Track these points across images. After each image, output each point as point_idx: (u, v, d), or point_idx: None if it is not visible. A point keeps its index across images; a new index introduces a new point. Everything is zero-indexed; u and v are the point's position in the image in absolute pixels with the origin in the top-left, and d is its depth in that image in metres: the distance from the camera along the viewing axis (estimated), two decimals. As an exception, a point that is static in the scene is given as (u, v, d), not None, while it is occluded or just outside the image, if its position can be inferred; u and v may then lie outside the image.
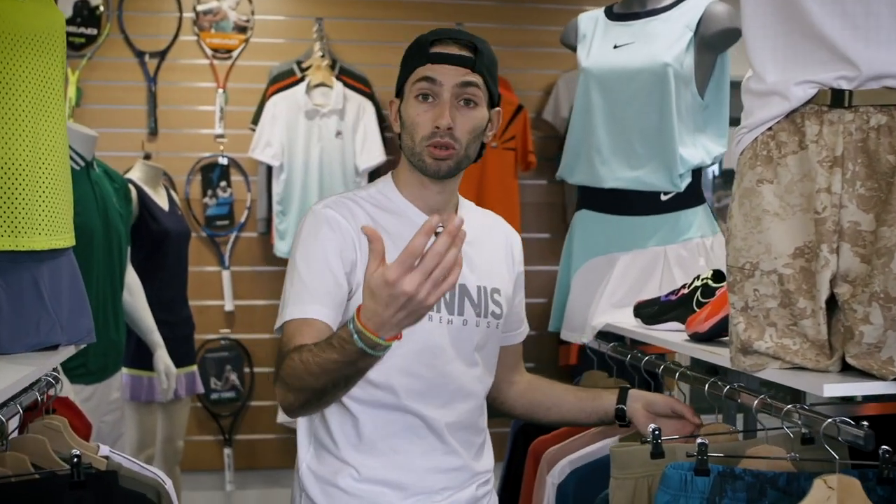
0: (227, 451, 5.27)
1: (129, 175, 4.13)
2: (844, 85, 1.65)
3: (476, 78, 2.01)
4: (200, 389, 4.51)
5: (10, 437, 1.96)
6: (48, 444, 2.02)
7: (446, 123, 1.97)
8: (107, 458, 2.12)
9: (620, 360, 2.59)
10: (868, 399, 1.85)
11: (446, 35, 2.03)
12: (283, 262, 5.20)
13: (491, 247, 2.19)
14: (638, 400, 2.17)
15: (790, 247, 1.71)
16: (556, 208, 5.50)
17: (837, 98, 1.66)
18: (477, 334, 2.07)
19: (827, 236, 1.66)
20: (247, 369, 5.33)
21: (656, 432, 1.91)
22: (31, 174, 1.99)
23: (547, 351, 5.24)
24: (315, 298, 1.95)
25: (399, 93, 2.08)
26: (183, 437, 4.44)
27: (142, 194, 4.11)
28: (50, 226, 2.03)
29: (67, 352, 2.13)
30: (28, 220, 1.99)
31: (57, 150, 2.05)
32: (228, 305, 5.29)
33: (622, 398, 2.18)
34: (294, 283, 1.99)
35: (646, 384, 2.42)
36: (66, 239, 2.11)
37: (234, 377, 5.30)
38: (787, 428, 1.84)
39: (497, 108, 2.08)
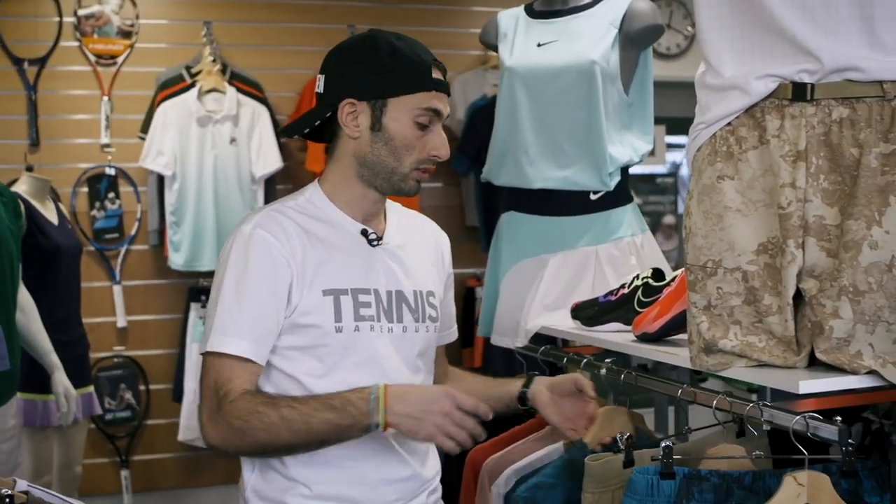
0: (124, 472, 5.05)
1: (15, 188, 3.92)
2: (806, 78, 1.63)
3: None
4: (98, 410, 4.32)
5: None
6: (-36, 480, 1.87)
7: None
8: (26, 493, 1.96)
9: (553, 364, 2.55)
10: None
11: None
12: (177, 274, 5.04)
13: (422, 249, 2.16)
14: (542, 383, 2.19)
15: (754, 243, 1.69)
16: (453, 211, 5.46)
17: (799, 92, 1.64)
18: (418, 340, 2.05)
19: (793, 231, 1.63)
20: (142, 387, 5.13)
21: (626, 439, 1.88)
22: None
23: (450, 354, 5.18)
24: (246, 334, 1.90)
25: (374, 97, 1.96)
26: (80, 461, 4.25)
27: (30, 208, 3.91)
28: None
29: (-18, 380, 1.97)
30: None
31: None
32: (121, 321, 5.09)
33: (528, 383, 2.20)
34: (223, 311, 1.92)
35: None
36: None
37: (128, 396, 5.09)
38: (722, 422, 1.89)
39: None
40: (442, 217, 5.56)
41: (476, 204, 5.27)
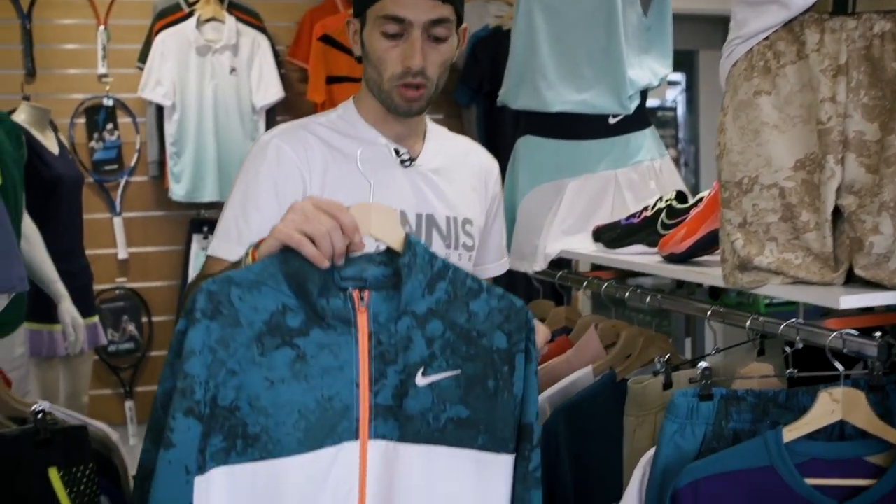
0: (128, 403, 5.07)
1: (14, 118, 3.86)
2: None
3: (446, 10, 1.89)
4: (104, 341, 4.31)
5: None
6: (-11, 402, 1.86)
7: (418, 66, 1.88)
8: (49, 413, 1.96)
9: (569, 289, 2.55)
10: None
11: None
12: (178, 205, 5.00)
13: (463, 175, 2.09)
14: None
15: (791, 159, 1.67)
16: (455, 143, 5.42)
17: (840, 4, 1.61)
18: None
19: (832, 147, 1.61)
20: (144, 319, 5.11)
21: (666, 360, 1.88)
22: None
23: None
24: (245, 241, 1.80)
25: (358, 13, 1.94)
26: (87, 391, 4.24)
27: (30, 138, 3.87)
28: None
29: (1, 301, 1.96)
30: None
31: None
32: (122, 253, 5.05)
33: None
34: (228, 216, 1.90)
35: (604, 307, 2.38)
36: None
37: (131, 328, 5.08)
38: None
39: (463, 25, 1.97)
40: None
41: (478, 136, 5.23)
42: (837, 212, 1.65)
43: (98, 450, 1.85)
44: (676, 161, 6.73)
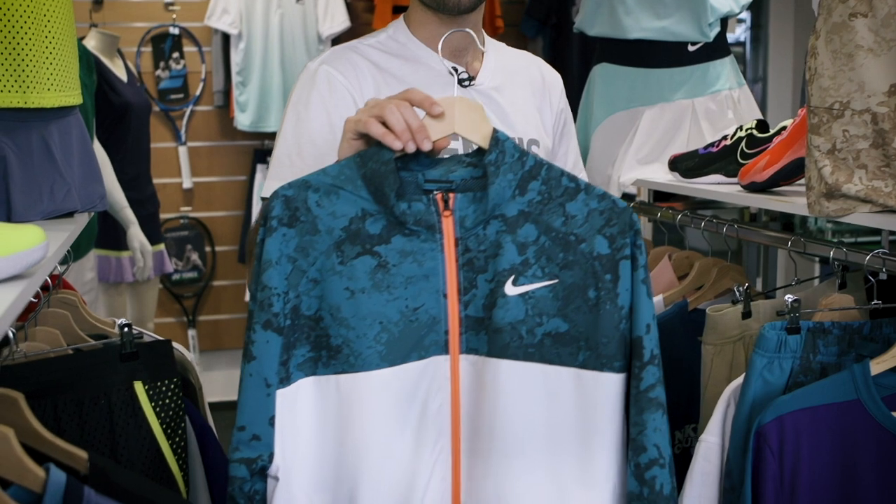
0: (191, 332, 5.15)
1: (84, 44, 3.87)
2: None
3: None
4: (169, 268, 4.35)
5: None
6: (70, 317, 1.89)
7: None
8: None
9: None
10: None
11: None
12: (243, 135, 5.02)
13: (526, 91, 1.94)
14: None
15: (885, 84, 1.62)
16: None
17: (944, -79, 1.55)
18: None
19: (930, 71, 1.57)
20: (208, 248, 5.17)
21: (745, 290, 1.85)
22: (35, 25, 1.80)
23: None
24: (297, 176, 1.72)
25: None
26: (153, 318, 4.31)
27: (99, 64, 3.88)
28: (59, 82, 1.86)
29: (83, 219, 1.97)
30: (36, 75, 1.81)
31: (61, 3, 1.86)
32: (186, 183, 5.10)
33: None
34: (281, 151, 1.79)
35: (678, 243, 2.36)
36: (75, 96, 1.93)
37: (195, 257, 5.14)
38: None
39: None
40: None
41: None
42: (932, 138, 1.61)
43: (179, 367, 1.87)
44: (743, 98, 6.61)
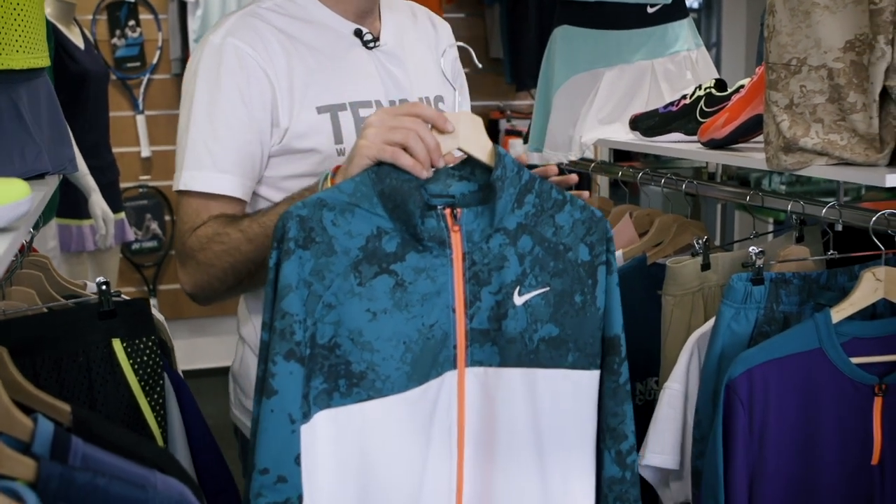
0: (152, 301, 5.14)
1: (40, 10, 3.84)
2: None
3: None
4: (131, 237, 4.36)
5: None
6: (43, 278, 1.91)
7: None
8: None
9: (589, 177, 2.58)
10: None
11: None
12: (201, 104, 4.99)
13: (423, 46, 1.89)
14: None
15: (841, 40, 1.67)
16: (477, 42, 5.39)
17: None
18: None
19: (883, 27, 1.62)
20: (167, 217, 5.17)
21: (704, 242, 1.90)
22: (3, -14, 1.81)
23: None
24: (224, 166, 1.64)
25: None
26: (114, 287, 4.29)
27: (57, 32, 3.86)
28: (27, 43, 1.86)
29: (53, 182, 1.98)
30: (4, 38, 1.81)
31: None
32: (145, 151, 5.09)
33: None
34: (193, 139, 1.65)
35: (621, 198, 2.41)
36: (44, 58, 1.94)
37: (154, 226, 5.13)
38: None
39: None
40: (466, 49, 5.53)
41: (501, 35, 5.20)
42: (884, 93, 1.66)
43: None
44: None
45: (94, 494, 1.15)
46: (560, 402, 1.44)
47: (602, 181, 3.71)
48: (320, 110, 1.68)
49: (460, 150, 1.39)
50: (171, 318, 5.09)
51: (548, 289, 1.42)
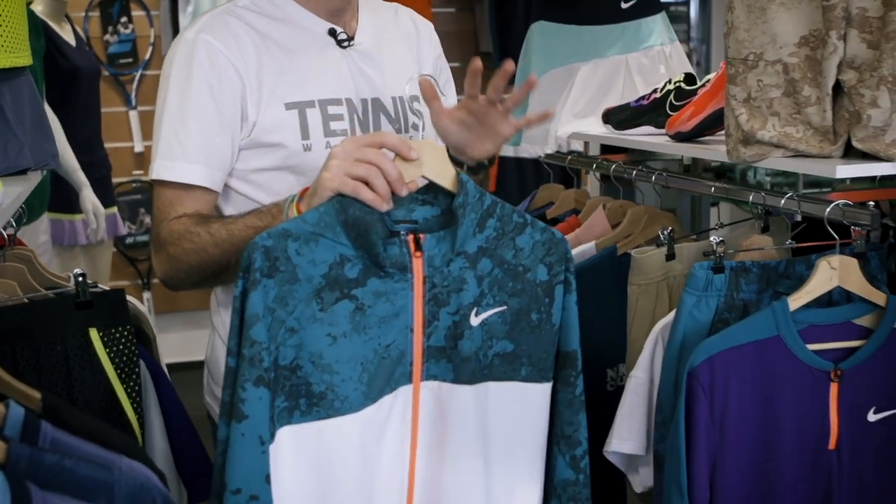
0: (146, 295, 5.21)
1: (31, 9, 3.89)
2: None
3: None
4: (123, 231, 4.42)
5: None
6: (26, 271, 1.96)
7: None
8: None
9: (578, 172, 2.63)
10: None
11: None
12: (194, 99, 5.04)
13: (400, 46, 1.93)
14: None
15: (796, 36, 1.72)
16: (467, 37, 5.43)
17: None
18: None
19: (836, 23, 1.67)
20: (161, 212, 5.20)
21: (668, 233, 1.95)
22: (-16, -11, 1.86)
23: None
24: (195, 157, 1.71)
25: None
26: (107, 280, 4.36)
27: (48, 29, 3.91)
28: (9, 43, 1.91)
29: (36, 177, 2.03)
30: (-14, 37, 1.87)
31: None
32: (138, 146, 5.14)
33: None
34: (168, 132, 1.72)
35: (614, 191, 2.46)
36: (25, 57, 1.98)
37: (148, 220, 5.18)
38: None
39: None
40: (455, 43, 5.59)
41: (490, 30, 5.24)
42: (837, 87, 1.71)
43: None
44: (688, 58, 6.72)
45: (61, 474, 1.20)
46: (510, 413, 1.51)
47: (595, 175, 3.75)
48: (288, 106, 1.74)
49: (424, 177, 1.43)
50: (165, 312, 5.22)
51: (504, 308, 1.48)
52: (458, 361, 1.46)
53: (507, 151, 2.88)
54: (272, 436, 1.37)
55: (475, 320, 1.46)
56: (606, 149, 3.01)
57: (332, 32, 1.82)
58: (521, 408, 1.51)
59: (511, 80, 1.68)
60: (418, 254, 1.42)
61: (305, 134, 1.74)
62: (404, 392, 1.46)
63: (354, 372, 1.40)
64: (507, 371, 1.49)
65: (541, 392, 1.52)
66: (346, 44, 1.82)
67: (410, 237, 1.42)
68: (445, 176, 1.44)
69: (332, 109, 1.77)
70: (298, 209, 1.47)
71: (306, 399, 1.39)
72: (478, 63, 1.61)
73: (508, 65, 1.60)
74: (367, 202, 1.38)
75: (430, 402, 1.47)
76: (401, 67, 1.88)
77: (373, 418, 1.43)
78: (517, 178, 4.90)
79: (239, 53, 1.72)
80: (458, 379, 1.47)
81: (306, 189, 1.49)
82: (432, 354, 1.46)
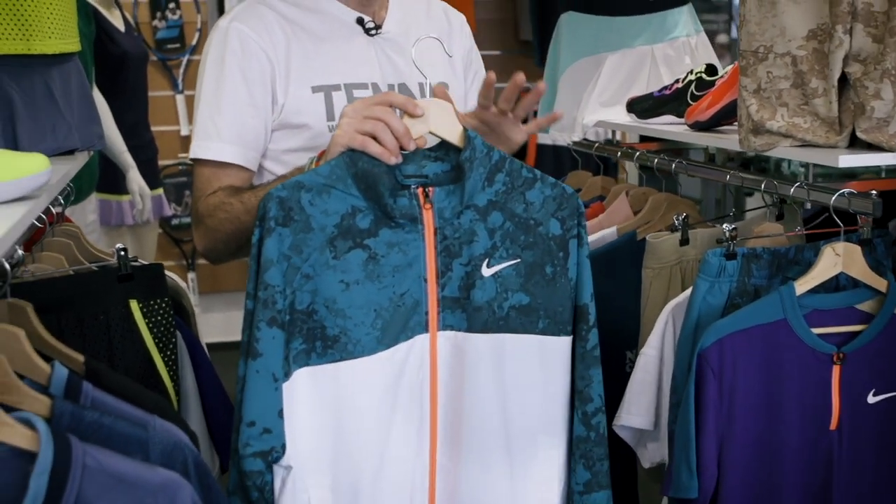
0: (190, 275, 5.34)
1: (82, -5, 4.02)
2: None
3: None
4: (168, 212, 4.54)
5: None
6: (73, 246, 2.07)
7: None
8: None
9: (606, 160, 2.70)
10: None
11: None
12: (238, 84, 5.15)
13: (431, 33, 1.96)
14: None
15: (804, 29, 1.79)
16: (507, 24, 5.50)
17: None
18: None
19: (842, 17, 1.73)
20: (206, 194, 5.32)
21: (683, 219, 2.01)
22: (37, -22, 1.97)
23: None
24: (228, 137, 1.85)
25: None
26: (152, 260, 4.47)
27: (98, 15, 4.02)
28: (59, 30, 2.02)
29: (83, 157, 2.15)
30: (38, 24, 1.97)
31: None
32: (184, 130, 5.27)
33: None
34: (203, 114, 1.87)
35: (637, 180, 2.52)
36: (74, 43, 2.09)
37: (193, 202, 5.29)
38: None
39: None
40: (496, 30, 5.67)
41: (530, 17, 5.29)
42: (843, 79, 1.78)
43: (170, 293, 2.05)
44: (727, 47, 6.74)
45: (100, 430, 1.31)
46: (528, 365, 1.57)
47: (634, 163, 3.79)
48: (315, 89, 1.86)
49: (432, 133, 1.52)
50: (209, 292, 5.34)
51: (518, 260, 1.54)
52: (470, 311, 1.53)
53: (545, 139, 2.95)
54: (286, 374, 1.46)
55: (487, 271, 1.53)
56: (645, 138, 3.07)
57: (360, 21, 1.92)
58: (541, 360, 1.58)
59: (523, 92, 1.72)
60: (428, 206, 1.50)
61: (331, 115, 1.85)
62: (421, 340, 1.53)
63: (367, 317, 1.48)
64: (525, 323, 1.55)
65: (560, 345, 1.58)
66: (373, 32, 1.92)
67: (420, 190, 1.50)
68: (453, 132, 1.52)
69: (357, 93, 1.87)
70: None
71: (321, 342, 1.47)
72: (492, 76, 1.66)
73: (519, 77, 1.67)
74: (376, 155, 1.47)
75: (447, 350, 1.54)
76: (428, 56, 1.91)
77: (388, 361, 1.51)
78: (554, 165, 4.97)
79: (269, 40, 1.84)
80: (471, 328, 1.54)
81: (322, 152, 1.60)
82: (447, 305, 1.53)
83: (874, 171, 2.14)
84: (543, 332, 1.57)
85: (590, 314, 1.59)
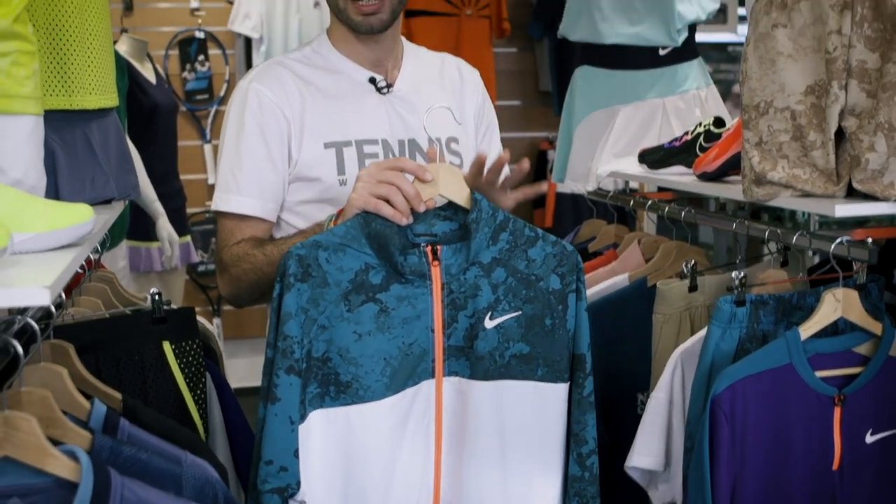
0: (216, 321, 5.42)
1: (116, 49, 4.16)
2: None
3: None
4: (195, 258, 4.65)
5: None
6: (109, 291, 2.18)
7: None
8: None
9: (621, 208, 2.79)
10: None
11: None
12: (265, 134, 5.28)
13: (444, 93, 2.12)
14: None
15: (802, 85, 1.88)
16: (527, 76, 5.61)
17: (848, -54, 1.80)
18: None
19: (837, 74, 1.82)
20: (232, 241, 5.43)
21: (691, 266, 2.10)
22: (79, 36, 2.07)
23: (522, 213, 5.42)
24: (248, 191, 1.96)
25: None
26: (180, 305, 4.58)
27: (130, 68, 4.16)
28: (100, 86, 2.12)
29: (119, 206, 2.25)
30: (80, 80, 2.08)
31: (101, 12, 2.13)
32: (211, 179, 5.38)
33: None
34: (225, 168, 2.00)
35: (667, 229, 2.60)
36: (113, 98, 2.20)
37: (220, 249, 5.40)
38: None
39: None
40: (516, 81, 5.79)
41: (550, 68, 5.41)
42: (840, 132, 1.86)
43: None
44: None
45: (137, 465, 1.40)
46: (528, 410, 1.69)
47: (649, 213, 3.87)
48: (326, 145, 1.98)
49: (441, 196, 1.63)
50: (234, 338, 5.44)
51: (519, 313, 1.66)
52: (473, 359, 1.64)
53: (563, 189, 3.04)
54: (302, 417, 1.57)
55: (490, 323, 1.64)
56: (662, 188, 3.16)
57: (373, 80, 2.03)
58: (540, 405, 1.68)
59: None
60: (436, 263, 1.61)
61: (341, 170, 1.97)
62: (427, 385, 1.65)
63: (377, 365, 1.60)
64: (525, 371, 1.67)
65: (558, 391, 1.69)
66: (385, 90, 2.03)
67: (429, 248, 1.62)
68: (460, 194, 1.63)
69: (367, 148, 1.99)
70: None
71: (335, 387, 1.59)
72: (504, 157, 1.76)
73: (503, 156, 1.77)
74: (388, 217, 1.58)
75: (451, 394, 1.66)
76: (439, 112, 1.98)
77: (396, 406, 1.63)
78: (572, 213, 5.07)
79: (286, 98, 1.97)
80: (474, 375, 1.65)
81: (341, 210, 1.71)
82: (452, 353, 1.64)
83: (889, 218, 2.21)
84: (542, 379, 1.68)
85: (586, 363, 1.70)
